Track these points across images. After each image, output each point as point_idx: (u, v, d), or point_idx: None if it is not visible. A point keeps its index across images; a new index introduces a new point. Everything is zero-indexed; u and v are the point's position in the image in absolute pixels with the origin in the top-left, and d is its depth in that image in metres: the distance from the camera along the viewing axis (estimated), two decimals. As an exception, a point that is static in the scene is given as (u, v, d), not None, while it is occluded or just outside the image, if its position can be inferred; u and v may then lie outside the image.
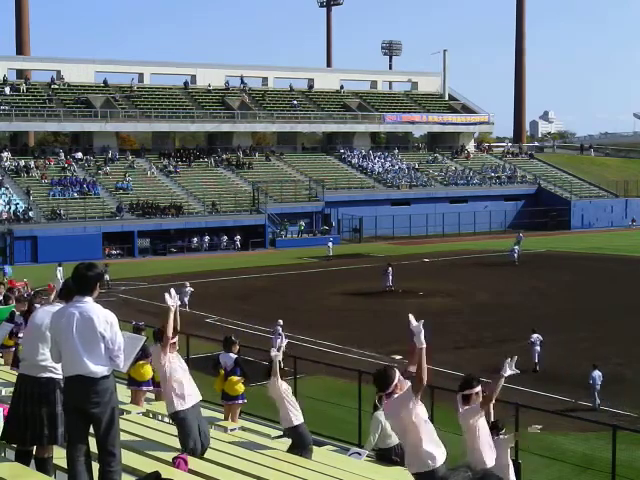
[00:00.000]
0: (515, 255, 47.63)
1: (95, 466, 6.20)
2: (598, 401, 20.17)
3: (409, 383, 6.44)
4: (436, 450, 6.40)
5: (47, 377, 6.38)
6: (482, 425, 7.86)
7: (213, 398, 13.20)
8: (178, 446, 8.16)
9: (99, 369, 5.96)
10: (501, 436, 8.83)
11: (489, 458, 7.87)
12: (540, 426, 10.52)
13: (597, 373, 20.46)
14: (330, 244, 53.92)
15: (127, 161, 65.20)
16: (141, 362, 11.37)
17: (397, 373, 6.62)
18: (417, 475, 6.44)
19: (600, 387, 20.39)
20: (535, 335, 24.13)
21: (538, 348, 23.81)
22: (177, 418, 8.28)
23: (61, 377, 6.37)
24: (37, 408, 6.36)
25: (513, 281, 41.83)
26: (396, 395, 6.47)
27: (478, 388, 7.93)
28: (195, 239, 57.94)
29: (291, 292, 39.29)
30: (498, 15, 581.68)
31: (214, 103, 73.00)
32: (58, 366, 6.35)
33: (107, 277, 40.20)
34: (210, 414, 11.89)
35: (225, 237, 58.94)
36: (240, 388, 11.37)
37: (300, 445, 9.60)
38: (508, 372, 8.03)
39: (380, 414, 11.22)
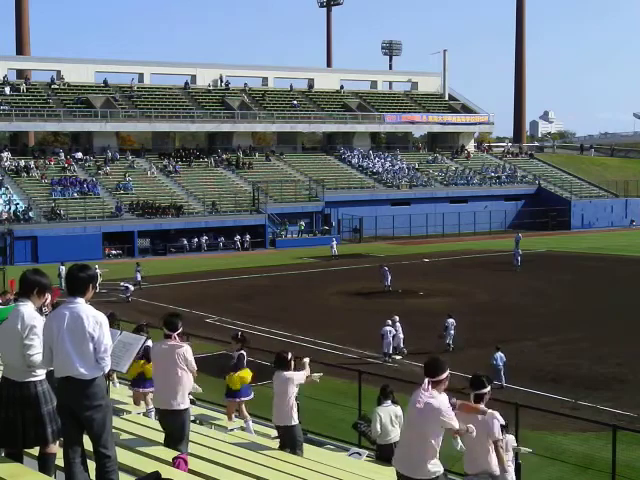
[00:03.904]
0: (517, 260, 45.74)
1: (92, 465, 6.19)
2: (504, 381, 21.23)
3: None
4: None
5: (27, 381, 6.35)
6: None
7: (213, 398, 13.20)
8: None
9: (89, 371, 5.94)
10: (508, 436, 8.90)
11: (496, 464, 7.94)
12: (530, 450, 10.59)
13: (499, 354, 21.83)
14: (334, 243, 54.77)
15: (127, 161, 65.19)
16: (142, 362, 11.32)
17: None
18: None
19: (504, 367, 21.61)
20: (450, 320, 25.90)
21: (452, 332, 25.76)
22: (186, 415, 8.34)
23: (42, 378, 6.37)
24: (20, 411, 6.32)
25: (513, 281, 41.80)
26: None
27: (489, 387, 7.95)
28: (195, 239, 57.93)
29: (291, 292, 39.27)
30: (498, 15, 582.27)
31: (214, 103, 73.01)
32: (39, 370, 6.34)
33: (139, 277, 40.08)
34: (210, 414, 11.89)
35: (223, 238, 58.98)
36: (236, 384, 11.37)
37: (294, 444, 9.60)
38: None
39: (379, 409, 11.24)
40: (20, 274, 6.30)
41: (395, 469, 6.92)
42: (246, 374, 11.44)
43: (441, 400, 6.61)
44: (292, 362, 9.76)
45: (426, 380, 6.64)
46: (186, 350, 8.44)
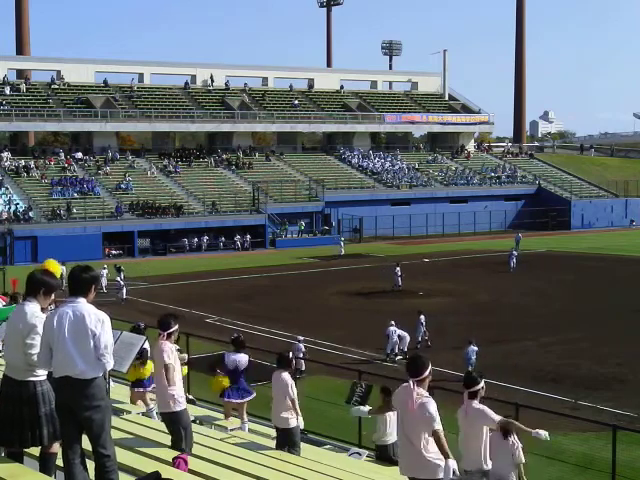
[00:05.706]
0: (512, 263, 44.94)
1: (91, 465, 6.19)
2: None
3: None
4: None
5: (27, 380, 6.35)
6: (487, 430, 8.04)
7: (213, 398, 13.19)
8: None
9: (90, 370, 5.93)
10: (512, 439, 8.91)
11: (489, 460, 8.04)
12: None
13: (472, 348, 22.37)
14: (342, 243, 55.55)
15: (127, 161, 65.19)
16: (142, 361, 11.27)
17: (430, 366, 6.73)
18: None
19: (475, 360, 22.06)
20: (422, 316, 26.68)
21: (423, 328, 26.49)
22: (185, 416, 8.35)
23: (43, 379, 6.37)
24: (18, 411, 6.33)
25: (513, 281, 41.80)
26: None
27: (482, 383, 8.03)
28: (195, 239, 57.92)
29: (291, 292, 39.27)
30: (498, 15, 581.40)
31: (214, 103, 73.02)
32: (39, 370, 6.34)
33: (118, 276, 39.96)
34: (210, 414, 11.89)
35: (223, 238, 58.98)
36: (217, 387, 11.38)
37: (294, 444, 9.60)
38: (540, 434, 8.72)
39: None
40: (27, 274, 6.30)
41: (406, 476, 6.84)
42: (225, 381, 11.30)
43: (432, 402, 6.56)
44: (293, 361, 9.79)
45: (411, 381, 6.55)
46: (164, 346, 8.37)
